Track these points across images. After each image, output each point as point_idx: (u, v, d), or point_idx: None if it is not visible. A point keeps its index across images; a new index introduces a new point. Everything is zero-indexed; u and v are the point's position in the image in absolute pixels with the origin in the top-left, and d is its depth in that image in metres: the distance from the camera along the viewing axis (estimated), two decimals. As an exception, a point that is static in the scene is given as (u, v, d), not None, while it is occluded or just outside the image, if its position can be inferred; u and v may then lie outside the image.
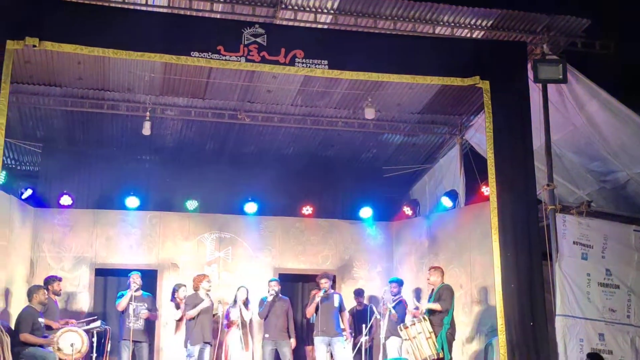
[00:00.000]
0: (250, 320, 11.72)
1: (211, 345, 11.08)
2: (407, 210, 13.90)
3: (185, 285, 11.64)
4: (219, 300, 11.54)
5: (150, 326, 11.75)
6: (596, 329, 9.93)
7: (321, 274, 11.65)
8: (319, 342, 11.14)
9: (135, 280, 11.27)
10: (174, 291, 11.67)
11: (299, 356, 12.27)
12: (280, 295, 11.59)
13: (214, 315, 11.23)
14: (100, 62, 10.71)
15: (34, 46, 9.01)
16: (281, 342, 11.45)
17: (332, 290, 11.56)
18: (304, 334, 12.57)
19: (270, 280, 11.79)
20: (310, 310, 11.40)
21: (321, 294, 11.26)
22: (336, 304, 11.30)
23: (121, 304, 11.21)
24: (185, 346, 10.92)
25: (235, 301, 11.66)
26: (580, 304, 9.88)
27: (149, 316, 11.34)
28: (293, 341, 11.58)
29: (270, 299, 11.51)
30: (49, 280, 10.96)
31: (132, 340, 11.06)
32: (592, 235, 10.18)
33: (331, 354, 11.26)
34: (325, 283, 11.33)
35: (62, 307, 11.70)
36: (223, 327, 11.56)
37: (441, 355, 9.77)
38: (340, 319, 11.36)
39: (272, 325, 11.51)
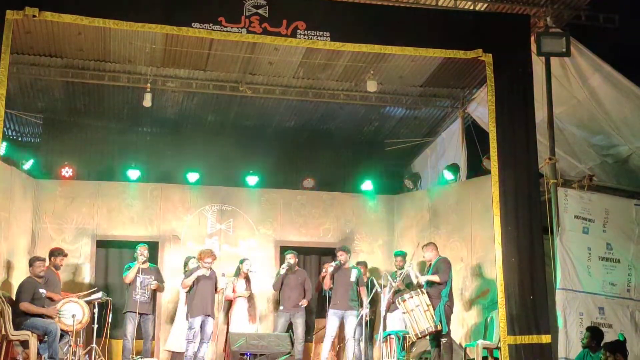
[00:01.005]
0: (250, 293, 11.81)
1: (213, 318, 11.11)
2: (409, 184, 13.91)
3: (195, 257, 11.68)
4: (222, 273, 11.56)
5: (155, 298, 11.81)
6: (596, 302, 9.95)
7: (339, 246, 11.73)
8: (332, 314, 11.18)
9: (143, 252, 11.30)
10: (185, 264, 11.71)
11: (308, 328, 12.29)
12: (297, 267, 11.62)
13: (217, 289, 11.22)
14: (100, 33, 10.65)
15: (34, 16, 8.97)
16: (295, 314, 11.54)
17: (351, 265, 11.54)
18: (311, 307, 12.65)
19: (287, 253, 11.83)
20: (326, 282, 11.41)
21: (332, 264, 11.31)
22: (352, 278, 11.28)
23: (129, 276, 11.20)
24: (187, 318, 10.97)
25: (238, 273, 11.73)
26: (581, 277, 9.90)
27: (157, 287, 11.37)
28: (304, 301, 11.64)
29: (282, 271, 11.58)
30: (55, 252, 10.96)
31: (139, 313, 11.10)
32: (594, 209, 10.18)
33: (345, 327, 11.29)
34: (340, 255, 11.38)
35: (64, 279, 11.69)
36: (227, 299, 11.68)
37: (439, 328, 9.81)
38: (357, 293, 11.35)
39: (287, 298, 11.60)
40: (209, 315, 10.95)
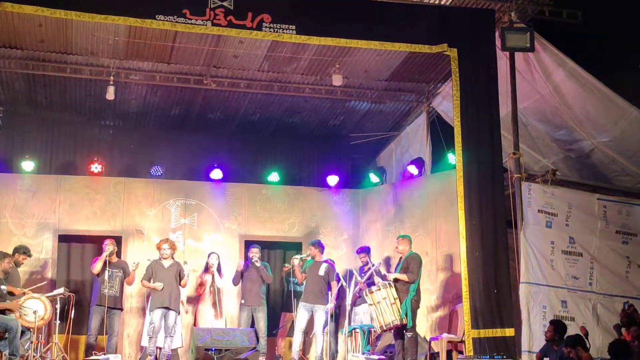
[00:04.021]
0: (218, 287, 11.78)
1: (177, 312, 11.00)
2: (374, 178, 13.93)
3: (215, 253, 11.79)
4: (184, 261, 11.50)
5: (123, 293, 11.71)
6: (559, 296, 10.05)
7: (311, 240, 11.79)
8: (301, 307, 11.12)
9: (110, 245, 11.23)
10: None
11: (275, 322, 12.28)
12: (259, 262, 11.58)
13: (181, 281, 11.12)
14: (62, 25, 10.49)
15: (-6, 7, 8.81)
16: (257, 308, 11.50)
17: (322, 259, 11.49)
18: (277, 300, 12.63)
19: (251, 247, 11.80)
20: (297, 276, 11.37)
21: (297, 257, 11.29)
22: (321, 272, 11.22)
23: (96, 267, 11.13)
24: (149, 313, 10.91)
25: (206, 268, 11.66)
26: (544, 271, 9.99)
27: (128, 280, 11.34)
28: None
29: (250, 265, 11.57)
30: (20, 249, 10.80)
31: (108, 307, 11.00)
32: (557, 203, 10.27)
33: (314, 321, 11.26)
34: (309, 249, 11.37)
35: (25, 274, 11.54)
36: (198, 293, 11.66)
37: (404, 322, 9.84)
38: (327, 287, 11.29)
39: (248, 291, 11.57)
40: (169, 309, 10.84)
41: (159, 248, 11.20)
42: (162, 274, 10.97)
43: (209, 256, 11.78)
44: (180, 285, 11.14)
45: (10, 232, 12.10)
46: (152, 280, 10.97)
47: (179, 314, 11.14)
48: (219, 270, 11.63)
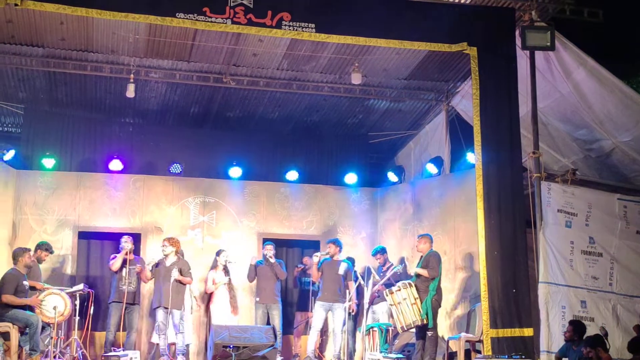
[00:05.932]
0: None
1: (179, 310, 10.94)
2: (392, 177, 13.91)
3: (224, 250, 11.85)
4: (227, 260, 11.71)
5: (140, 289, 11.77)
6: (578, 296, 10.01)
7: (329, 239, 11.80)
8: (319, 306, 11.17)
9: (128, 240, 11.32)
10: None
11: (289, 321, 12.33)
12: (274, 259, 11.61)
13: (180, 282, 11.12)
14: (83, 23, 10.56)
15: (16, 5, 8.88)
16: (272, 306, 11.53)
17: (340, 257, 11.50)
18: (290, 300, 12.63)
19: (266, 244, 11.82)
20: (313, 274, 11.42)
21: (317, 254, 11.31)
22: (340, 271, 11.22)
23: (115, 264, 11.17)
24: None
25: (215, 265, 11.69)
26: (563, 271, 9.94)
27: (141, 272, 11.33)
28: None
29: (265, 262, 11.60)
30: (42, 246, 10.87)
31: (126, 303, 11.05)
32: (577, 203, 10.22)
33: (332, 319, 11.26)
34: (328, 247, 11.38)
35: (45, 270, 11.59)
36: (208, 291, 11.67)
37: (425, 322, 9.82)
38: (344, 286, 11.29)
39: (262, 289, 11.59)
40: (167, 308, 10.83)
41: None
42: (162, 273, 11.01)
43: (218, 254, 11.79)
44: (181, 283, 11.05)
45: (31, 228, 12.17)
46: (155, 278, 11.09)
47: (183, 310, 11.10)
48: (227, 268, 11.65)
